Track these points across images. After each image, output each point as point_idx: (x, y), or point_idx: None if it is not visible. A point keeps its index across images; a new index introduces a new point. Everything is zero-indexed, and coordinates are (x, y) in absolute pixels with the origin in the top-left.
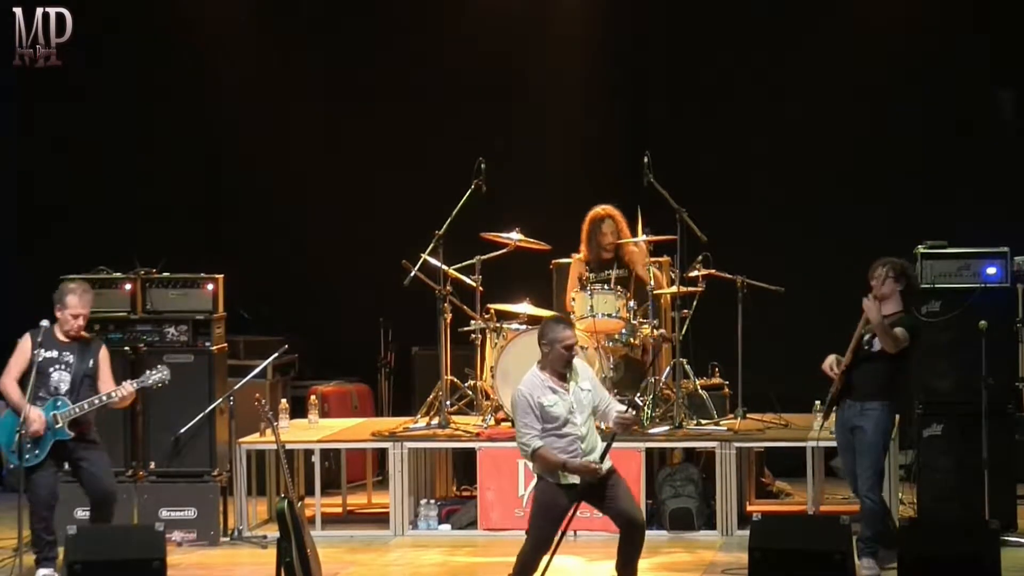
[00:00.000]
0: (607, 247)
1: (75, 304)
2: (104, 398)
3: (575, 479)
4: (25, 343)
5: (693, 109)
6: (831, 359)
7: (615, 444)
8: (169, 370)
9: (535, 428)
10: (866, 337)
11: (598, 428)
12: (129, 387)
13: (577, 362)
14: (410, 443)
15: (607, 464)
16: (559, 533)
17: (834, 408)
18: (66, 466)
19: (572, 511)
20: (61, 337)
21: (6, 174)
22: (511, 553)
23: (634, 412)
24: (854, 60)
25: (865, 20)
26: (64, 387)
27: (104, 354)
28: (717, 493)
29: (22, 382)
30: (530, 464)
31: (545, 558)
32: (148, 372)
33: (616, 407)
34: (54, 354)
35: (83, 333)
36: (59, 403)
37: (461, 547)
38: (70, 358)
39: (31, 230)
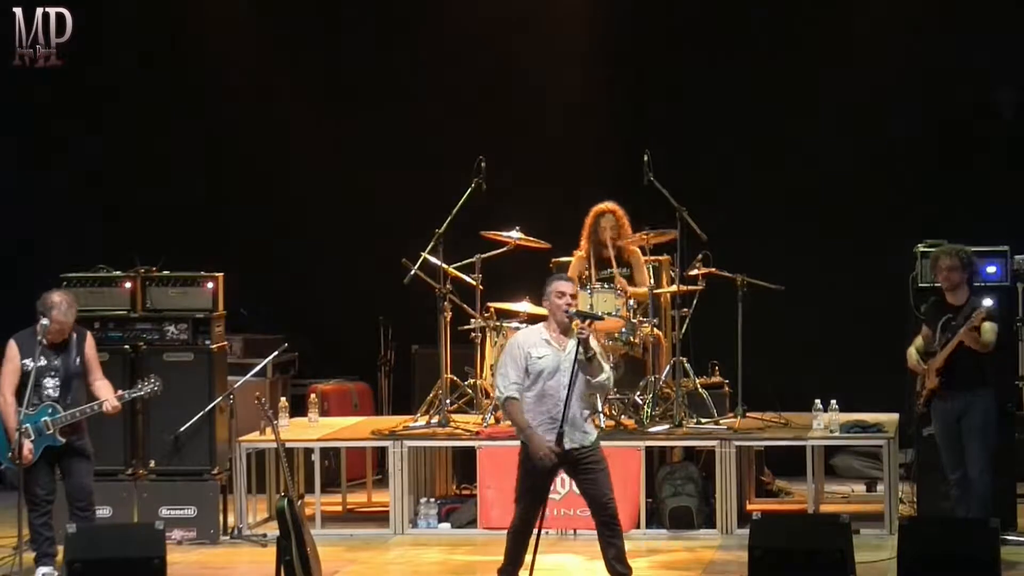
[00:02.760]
0: (605, 243)
1: (59, 318)
2: (96, 407)
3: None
4: (12, 352)
5: (693, 108)
6: (916, 355)
7: (615, 444)
8: (161, 381)
9: (512, 377)
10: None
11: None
12: (117, 400)
13: (593, 342)
14: (410, 442)
15: (590, 436)
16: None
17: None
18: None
19: (553, 477)
20: (46, 340)
21: (6, 174)
22: None
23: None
24: (854, 60)
25: (865, 20)
26: (55, 392)
27: (90, 342)
28: (717, 492)
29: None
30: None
31: (528, 555)
32: (140, 383)
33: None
34: (43, 362)
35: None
36: (51, 410)
37: (461, 546)
38: (57, 362)
39: (31, 229)
